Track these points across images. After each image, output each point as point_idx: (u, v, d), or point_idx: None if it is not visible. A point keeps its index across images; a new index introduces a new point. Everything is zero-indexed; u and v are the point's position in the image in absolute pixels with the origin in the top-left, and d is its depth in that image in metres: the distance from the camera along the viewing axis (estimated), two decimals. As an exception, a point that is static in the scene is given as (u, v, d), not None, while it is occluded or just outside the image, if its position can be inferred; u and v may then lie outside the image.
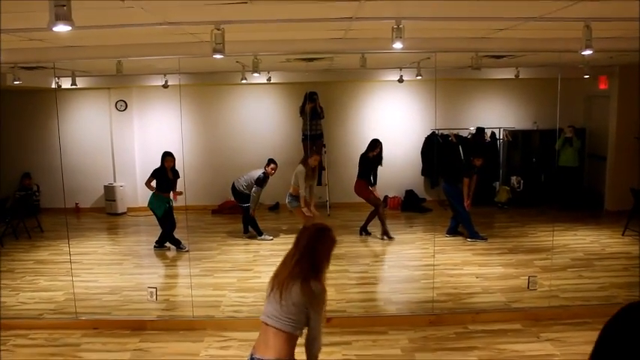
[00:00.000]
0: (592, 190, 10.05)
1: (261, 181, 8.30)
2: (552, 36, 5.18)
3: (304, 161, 8.08)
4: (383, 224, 8.21)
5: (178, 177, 7.79)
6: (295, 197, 7.88)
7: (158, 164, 7.72)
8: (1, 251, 7.99)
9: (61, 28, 2.68)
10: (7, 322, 5.34)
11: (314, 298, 2.68)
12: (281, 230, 8.79)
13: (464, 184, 7.92)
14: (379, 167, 8.38)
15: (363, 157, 8.26)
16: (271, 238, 8.38)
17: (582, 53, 4.18)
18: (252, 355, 2.74)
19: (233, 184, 8.52)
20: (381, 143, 8.23)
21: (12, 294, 6.22)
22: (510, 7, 3.77)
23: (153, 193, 7.73)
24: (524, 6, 3.69)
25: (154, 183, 7.69)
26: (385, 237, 8.23)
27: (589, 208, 9.71)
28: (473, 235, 8.04)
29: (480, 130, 10.07)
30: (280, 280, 2.74)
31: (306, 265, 2.72)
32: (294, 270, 2.72)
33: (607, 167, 9.73)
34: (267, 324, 2.73)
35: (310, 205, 8.03)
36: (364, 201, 8.35)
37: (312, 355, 2.74)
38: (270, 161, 8.43)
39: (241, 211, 8.61)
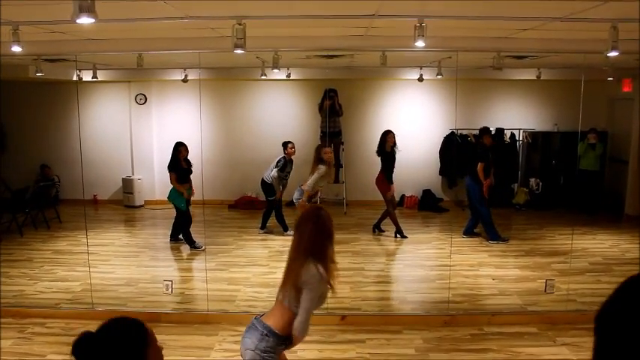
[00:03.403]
0: (612, 194, 9.89)
1: (282, 165, 8.18)
2: (577, 37, 5.11)
3: (321, 160, 7.71)
4: (395, 223, 8.21)
5: (191, 166, 7.74)
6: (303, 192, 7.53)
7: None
8: (21, 241, 8.10)
9: (85, 20, 2.69)
10: (25, 311, 5.42)
11: (307, 279, 2.76)
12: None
13: (479, 169, 7.78)
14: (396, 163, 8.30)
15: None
16: None
17: (608, 55, 4.10)
18: (257, 315, 2.90)
19: (262, 178, 8.43)
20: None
21: (30, 283, 6.31)
22: (535, 7, 3.72)
23: (174, 187, 7.76)
24: (550, 5, 3.63)
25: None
26: (398, 235, 8.21)
27: (609, 212, 9.58)
28: (494, 237, 7.92)
29: (500, 131, 9.96)
30: (288, 265, 2.91)
31: (308, 248, 2.82)
32: (297, 254, 2.85)
33: (629, 171, 9.57)
34: (277, 298, 2.91)
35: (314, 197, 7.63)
36: (380, 198, 8.29)
37: (293, 337, 2.79)
38: (286, 143, 8.24)
39: (261, 206, 8.58)
